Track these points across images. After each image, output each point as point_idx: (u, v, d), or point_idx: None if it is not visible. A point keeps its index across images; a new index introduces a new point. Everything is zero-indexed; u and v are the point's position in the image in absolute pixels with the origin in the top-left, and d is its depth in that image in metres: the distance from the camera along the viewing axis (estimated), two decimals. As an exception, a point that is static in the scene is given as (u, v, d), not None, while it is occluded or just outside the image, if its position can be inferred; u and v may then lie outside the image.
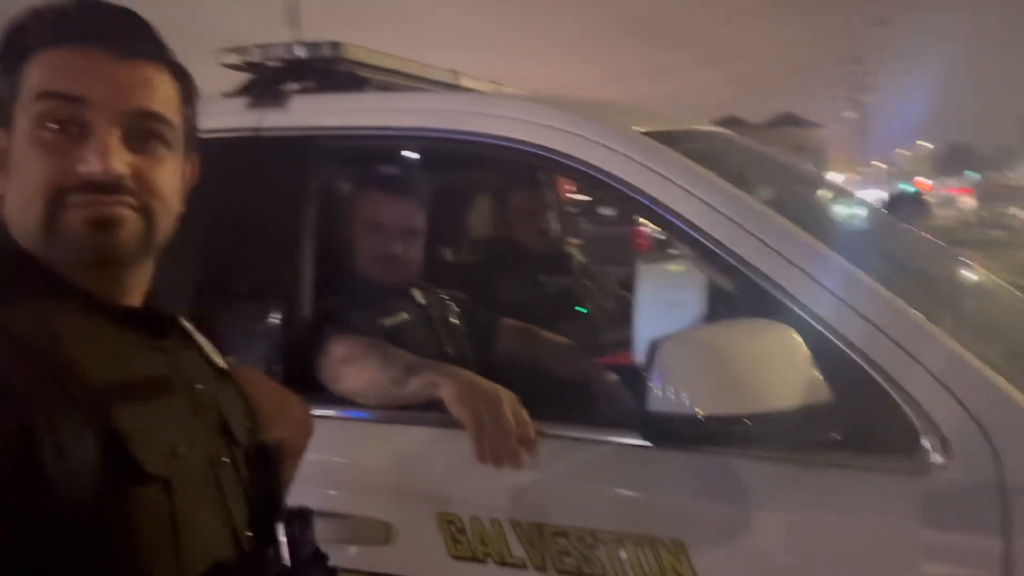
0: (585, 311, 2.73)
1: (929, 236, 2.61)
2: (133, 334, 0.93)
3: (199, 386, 0.98)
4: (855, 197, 2.85)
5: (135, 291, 0.97)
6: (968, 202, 28.85)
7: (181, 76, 0.98)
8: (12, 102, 0.91)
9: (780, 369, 1.37)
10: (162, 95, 0.94)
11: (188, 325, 1.06)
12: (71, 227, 0.88)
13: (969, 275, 2.33)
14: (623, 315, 2.73)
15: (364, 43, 2.14)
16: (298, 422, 1.26)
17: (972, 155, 69.16)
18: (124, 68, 0.91)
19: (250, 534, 0.98)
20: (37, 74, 0.90)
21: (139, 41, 0.94)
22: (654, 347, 1.36)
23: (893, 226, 2.46)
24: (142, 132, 0.92)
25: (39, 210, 0.88)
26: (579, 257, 2.99)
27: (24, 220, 0.90)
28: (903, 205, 5.04)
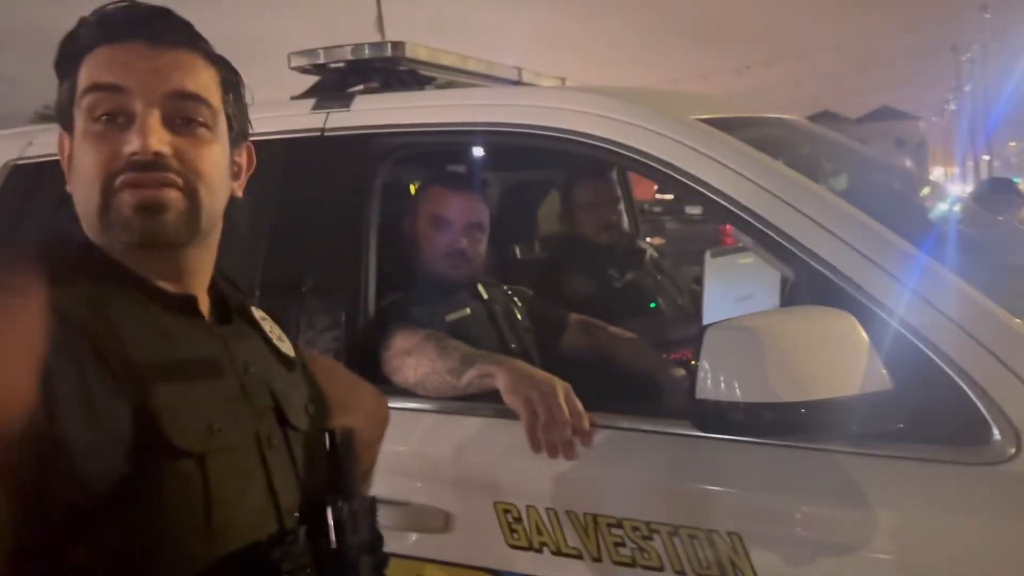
0: (654, 305, 2.70)
1: (1019, 225, 2.49)
2: (190, 319, 0.98)
3: (252, 370, 1.01)
4: (936, 185, 2.75)
5: (194, 277, 1.01)
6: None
7: (218, 63, 1.03)
8: (71, 106, 0.98)
9: (838, 356, 1.33)
10: (199, 79, 1.00)
11: (258, 313, 1.11)
12: (120, 211, 0.94)
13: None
14: (696, 311, 2.68)
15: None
16: (371, 413, 1.28)
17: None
18: (160, 55, 0.97)
19: (297, 514, 0.99)
20: (85, 73, 0.97)
21: (174, 32, 1.00)
22: (703, 333, 1.34)
23: (974, 213, 2.35)
24: (182, 114, 0.98)
25: (95, 198, 0.95)
26: (652, 252, 2.95)
27: (85, 211, 0.97)
28: (995, 193, 4.76)
